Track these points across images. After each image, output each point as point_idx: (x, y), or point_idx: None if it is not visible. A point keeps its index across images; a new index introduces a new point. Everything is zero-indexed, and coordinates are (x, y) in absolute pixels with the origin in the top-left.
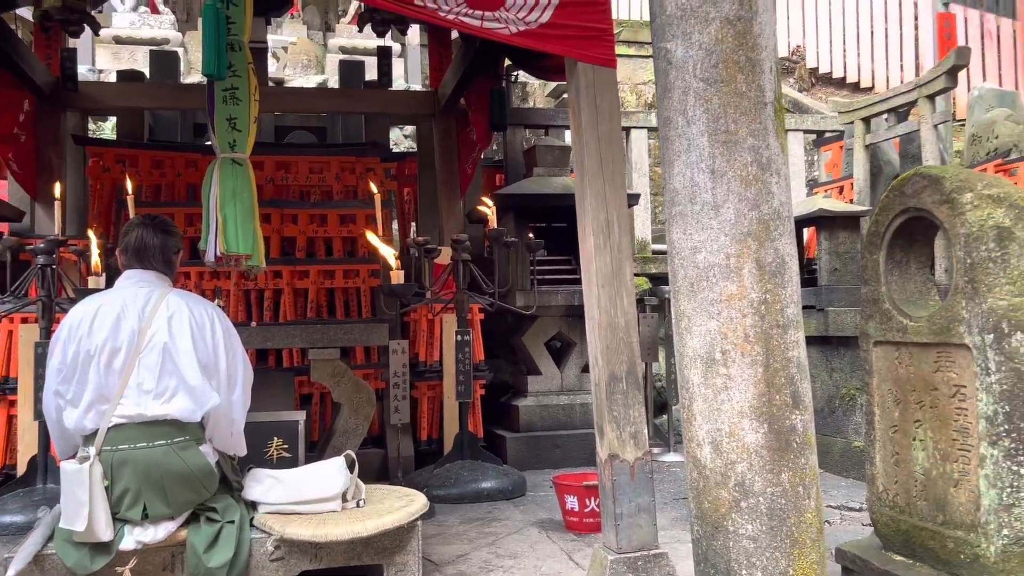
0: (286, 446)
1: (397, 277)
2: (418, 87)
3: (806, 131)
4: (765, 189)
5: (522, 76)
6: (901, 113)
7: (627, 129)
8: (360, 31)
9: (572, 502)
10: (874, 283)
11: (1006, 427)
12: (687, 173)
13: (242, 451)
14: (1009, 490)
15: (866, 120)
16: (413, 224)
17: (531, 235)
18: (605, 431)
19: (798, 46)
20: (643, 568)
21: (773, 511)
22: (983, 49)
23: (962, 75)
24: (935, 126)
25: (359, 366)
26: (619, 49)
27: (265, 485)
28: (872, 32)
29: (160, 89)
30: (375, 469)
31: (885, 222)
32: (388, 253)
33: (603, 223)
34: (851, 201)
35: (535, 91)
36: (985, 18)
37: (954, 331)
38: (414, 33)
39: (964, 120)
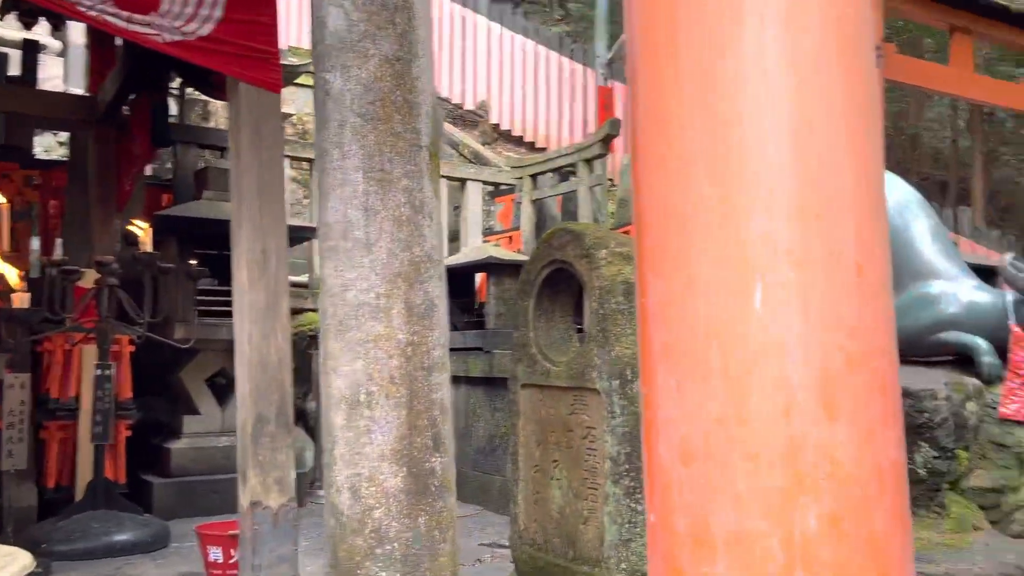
0: None
1: (21, 300)
2: (80, 91)
3: (485, 182)
4: (417, 231)
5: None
6: (564, 173)
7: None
8: (0, 18)
9: (216, 553)
10: (524, 328)
11: (627, 466)
12: (341, 208)
13: None
14: (628, 526)
15: (534, 177)
16: (59, 241)
17: (194, 262)
18: (248, 476)
19: (483, 101)
20: None
21: (407, 557)
22: None
23: (618, 143)
24: (591, 188)
25: None
26: (301, 79)
27: None
28: (548, 96)
29: None
30: None
31: (535, 271)
32: (10, 272)
33: (259, 254)
34: (519, 250)
35: (218, 110)
36: None
37: (588, 376)
38: (80, 32)
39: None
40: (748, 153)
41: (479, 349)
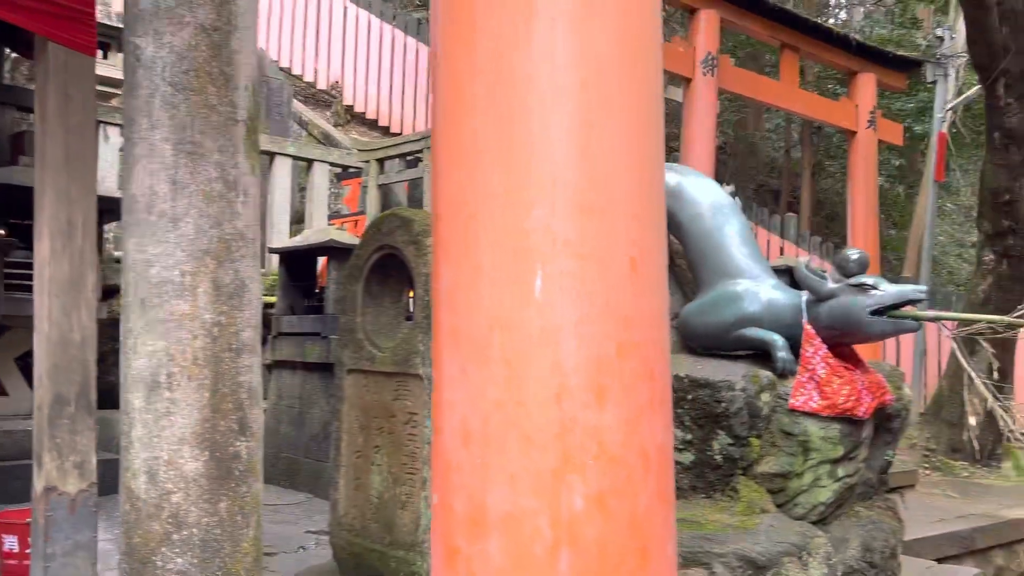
0: None
1: None
2: None
3: (332, 164)
4: (229, 208)
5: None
6: (411, 160)
7: None
8: None
9: (11, 542)
10: (352, 314)
11: None
12: (147, 180)
13: None
14: None
15: (380, 161)
16: None
17: (3, 232)
18: (44, 460)
19: (336, 81)
20: None
21: (207, 543)
22: None
23: None
24: None
25: None
26: None
27: None
28: (404, 81)
29: None
30: None
31: (364, 256)
32: None
33: (64, 224)
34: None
35: None
36: None
37: (412, 362)
38: None
39: None
40: (534, 147)
41: (317, 335)
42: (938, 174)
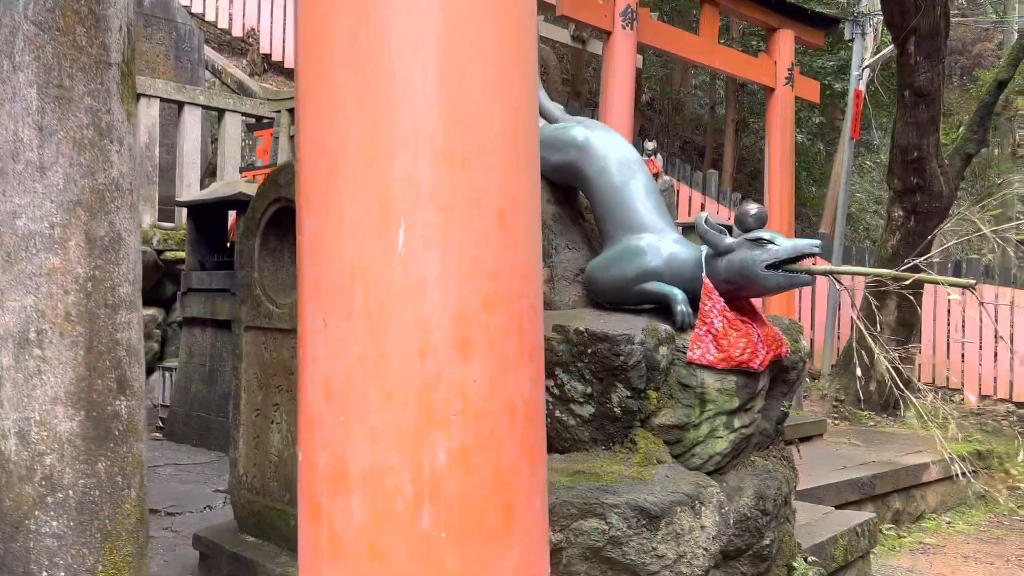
0: None
1: None
2: None
3: (244, 114)
4: (103, 157)
5: None
6: None
7: None
8: None
9: None
10: (249, 269)
11: None
12: (11, 126)
13: None
14: None
15: (291, 111)
16: None
17: None
18: None
19: (252, 28)
20: None
21: (84, 504)
22: None
23: None
24: None
25: None
26: None
27: None
28: None
29: None
30: None
31: (261, 209)
32: None
33: None
34: None
35: None
36: None
37: None
38: None
39: None
40: (396, 94)
41: (227, 291)
42: (854, 131)
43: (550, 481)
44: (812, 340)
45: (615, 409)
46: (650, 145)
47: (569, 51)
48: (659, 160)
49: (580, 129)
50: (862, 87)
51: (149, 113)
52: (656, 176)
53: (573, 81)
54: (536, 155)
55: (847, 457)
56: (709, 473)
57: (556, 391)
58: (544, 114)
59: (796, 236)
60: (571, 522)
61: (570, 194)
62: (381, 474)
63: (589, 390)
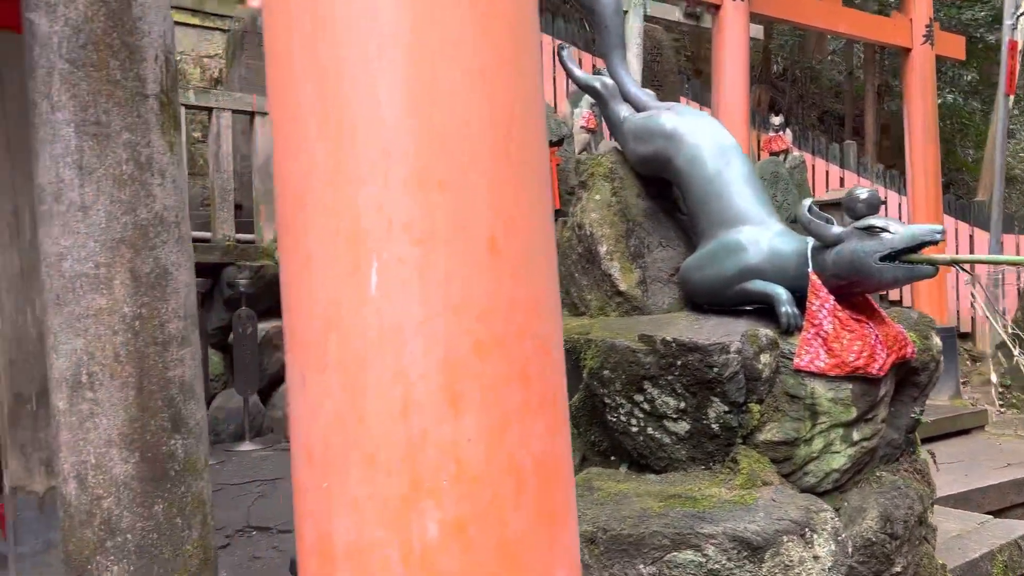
0: None
1: None
2: None
3: None
4: (144, 191)
5: None
6: None
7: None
8: None
9: None
10: None
11: None
12: (53, 168)
13: None
14: None
15: None
16: None
17: None
18: (9, 460)
19: None
20: None
21: (143, 548)
22: None
23: None
24: None
25: None
26: (180, 16)
27: None
28: None
29: None
30: None
31: None
32: None
33: (10, 216)
34: None
35: None
36: None
37: None
38: None
39: None
40: (359, 111)
41: None
42: (1009, 87)
43: (642, 507)
44: (973, 318)
45: (712, 425)
46: (776, 120)
47: (686, 29)
48: (788, 135)
49: (668, 116)
50: (1018, 38)
51: (266, 131)
52: (785, 153)
53: (691, 60)
54: (541, 164)
55: (1012, 452)
56: (826, 492)
57: (646, 407)
58: (631, 102)
59: (945, 206)
60: (663, 554)
61: (662, 187)
62: (367, 550)
63: (682, 405)
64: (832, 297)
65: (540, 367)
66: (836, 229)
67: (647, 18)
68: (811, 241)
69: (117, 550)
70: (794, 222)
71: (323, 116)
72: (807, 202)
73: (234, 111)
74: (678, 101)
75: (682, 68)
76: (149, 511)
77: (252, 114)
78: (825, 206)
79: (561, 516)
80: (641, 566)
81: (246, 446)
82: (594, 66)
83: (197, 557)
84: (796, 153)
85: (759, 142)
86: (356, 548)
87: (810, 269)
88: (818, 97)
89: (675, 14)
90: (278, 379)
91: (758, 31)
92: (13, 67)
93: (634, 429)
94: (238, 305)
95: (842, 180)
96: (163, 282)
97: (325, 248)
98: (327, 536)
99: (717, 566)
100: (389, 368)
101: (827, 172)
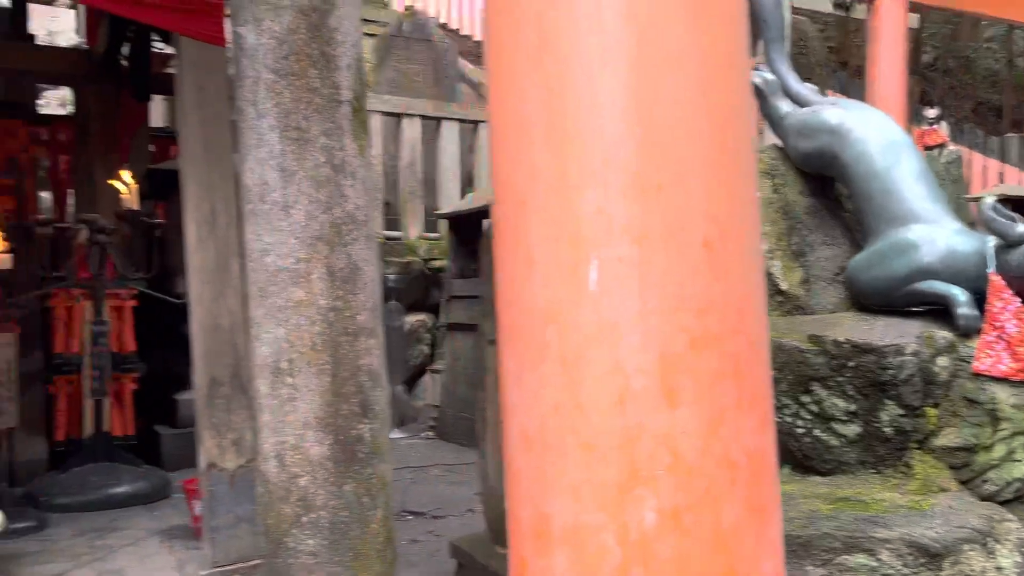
0: None
1: (2, 260)
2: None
3: None
4: (338, 192)
5: None
6: None
7: None
8: None
9: (199, 507)
10: (488, 283)
11: None
12: (258, 170)
13: None
14: None
15: None
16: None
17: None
18: (204, 438)
19: None
20: None
21: (335, 524)
22: None
23: None
24: None
25: None
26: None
27: None
28: None
29: None
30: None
31: None
32: None
33: (207, 214)
34: None
35: None
36: None
37: None
38: None
39: None
40: (582, 120)
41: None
42: None
43: (809, 509)
44: None
45: (885, 429)
46: (931, 112)
47: (832, 20)
48: (943, 128)
49: (833, 111)
50: None
51: (412, 132)
52: (940, 147)
53: (838, 51)
54: (751, 166)
55: None
56: (1007, 502)
57: (814, 408)
58: (793, 97)
59: None
60: (834, 556)
61: (826, 184)
62: (584, 533)
63: (853, 407)
64: (1018, 299)
65: (751, 364)
66: (1021, 227)
67: (793, 9)
68: (992, 240)
69: (312, 525)
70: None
71: (547, 126)
72: (990, 199)
73: (383, 113)
74: (825, 95)
75: (827, 60)
76: (340, 490)
77: (399, 116)
78: (1006, 202)
79: (769, 510)
80: (810, 567)
81: (394, 434)
82: None
83: (381, 535)
84: (952, 147)
85: (912, 136)
86: (573, 530)
87: (990, 270)
88: (972, 87)
89: (824, 4)
90: (420, 370)
91: (913, 20)
92: (213, 77)
93: (800, 430)
94: (387, 299)
95: (1002, 176)
96: (354, 277)
97: (546, 248)
98: (544, 518)
99: (892, 571)
100: (606, 361)
101: (984, 167)
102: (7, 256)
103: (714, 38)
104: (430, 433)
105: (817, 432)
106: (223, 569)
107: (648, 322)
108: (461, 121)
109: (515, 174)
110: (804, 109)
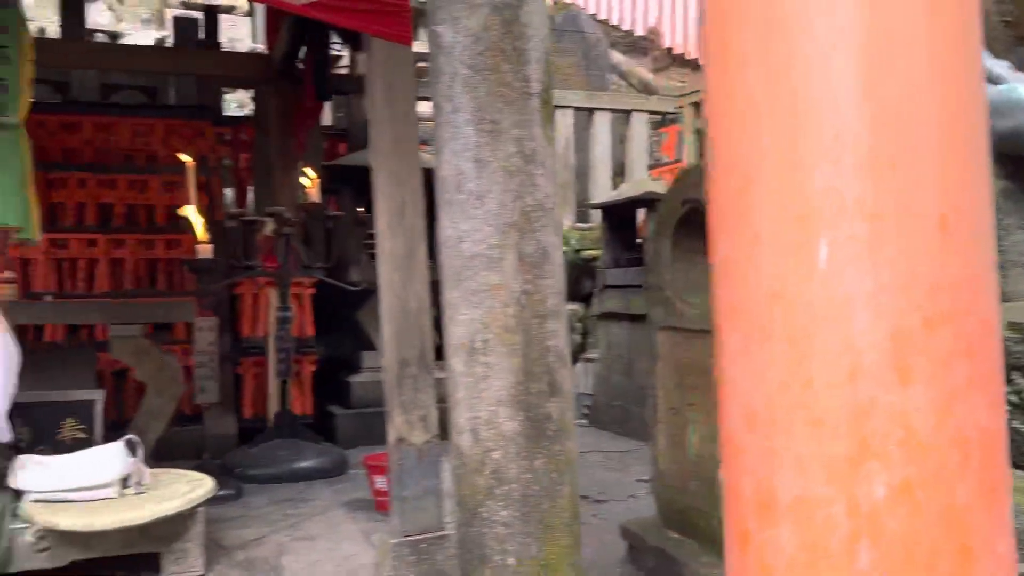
0: (82, 427)
1: (204, 251)
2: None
3: (650, 112)
4: (529, 181)
5: None
6: None
7: None
8: None
9: (381, 482)
10: (659, 270)
11: None
12: (454, 162)
13: (4, 436)
14: None
15: (696, 105)
16: (251, 193)
17: (362, 209)
18: (394, 415)
19: (653, 26)
20: (426, 550)
21: (526, 497)
22: None
23: None
24: None
25: (181, 341)
26: None
27: (30, 472)
28: None
29: None
30: (194, 448)
31: (670, 211)
32: (198, 224)
33: (397, 204)
34: None
35: None
36: None
37: None
38: None
39: None
40: (812, 99)
41: (639, 287)
42: None
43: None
44: None
45: None
46: None
47: None
48: None
49: None
50: None
51: (564, 123)
52: None
53: (1015, 26)
54: (984, 145)
55: None
56: None
57: (1014, 398)
58: (986, 75)
59: None
60: None
61: (1021, 165)
62: (812, 506)
63: None
64: None
65: (983, 344)
66: None
67: None
68: None
69: (504, 497)
70: None
71: (774, 105)
72: None
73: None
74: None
75: (1003, 35)
76: (531, 464)
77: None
78: None
79: (1000, 490)
80: (1020, 566)
81: None
82: None
83: (568, 511)
84: None
85: None
86: (801, 502)
87: None
88: None
89: None
90: (573, 359)
91: None
92: (401, 75)
93: None
94: None
95: None
96: (543, 262)
97: (773, 229)
98: (770, 491)
99: None
100: (836, 338)
101: None
102: (208, 247)
103: (947, 16)
104: (583, 420)
105: (1015, 423)
106: (412, 538)
107: (880, 300)
108: (613, 111)
109: (738, 154)
110: (999, 87)
